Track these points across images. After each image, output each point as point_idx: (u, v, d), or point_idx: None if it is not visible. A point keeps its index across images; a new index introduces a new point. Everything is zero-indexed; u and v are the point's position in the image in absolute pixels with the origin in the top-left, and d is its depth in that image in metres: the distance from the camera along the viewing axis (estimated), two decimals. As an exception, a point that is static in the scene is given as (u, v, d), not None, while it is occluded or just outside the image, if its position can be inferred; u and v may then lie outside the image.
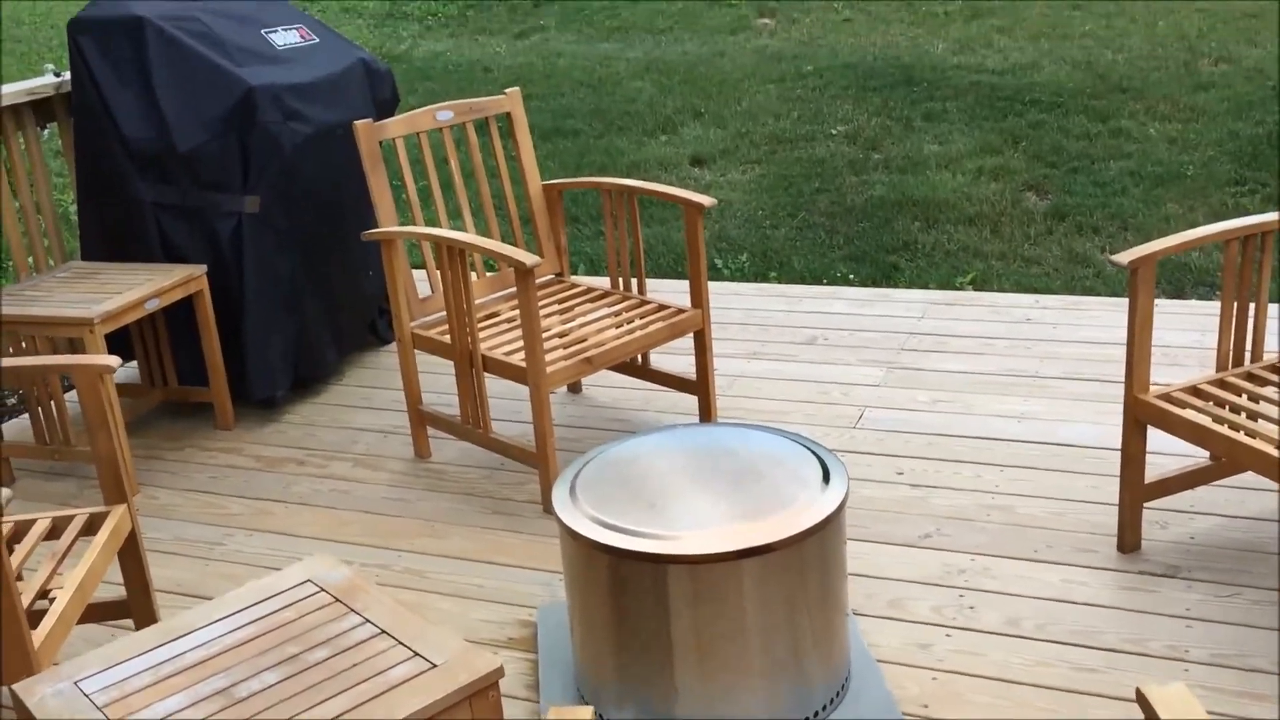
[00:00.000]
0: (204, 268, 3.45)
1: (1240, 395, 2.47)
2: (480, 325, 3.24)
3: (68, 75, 3.61)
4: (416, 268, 4.44)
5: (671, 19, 8.49)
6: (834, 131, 6.21)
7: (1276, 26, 6.83)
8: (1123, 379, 3.40)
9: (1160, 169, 5.28)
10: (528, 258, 2.79)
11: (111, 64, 3.45)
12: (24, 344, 3.30)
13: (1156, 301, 3.97)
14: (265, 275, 3.52)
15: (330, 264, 3.72)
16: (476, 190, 3.49)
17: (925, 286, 4.63)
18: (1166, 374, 3.39)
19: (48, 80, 3.62)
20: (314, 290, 3.67)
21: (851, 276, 4.81)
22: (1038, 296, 4.14)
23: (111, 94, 3.44)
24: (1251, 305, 2.57)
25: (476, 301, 3.37)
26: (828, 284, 4.75)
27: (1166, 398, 2.46)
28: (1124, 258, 2.38)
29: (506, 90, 3.50)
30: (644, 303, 3.34)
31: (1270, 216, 2.50)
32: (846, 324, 4.03)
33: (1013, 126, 5.94)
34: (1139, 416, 2.46)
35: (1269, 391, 2.44)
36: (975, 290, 4.51)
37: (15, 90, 3.52)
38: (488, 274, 3.41)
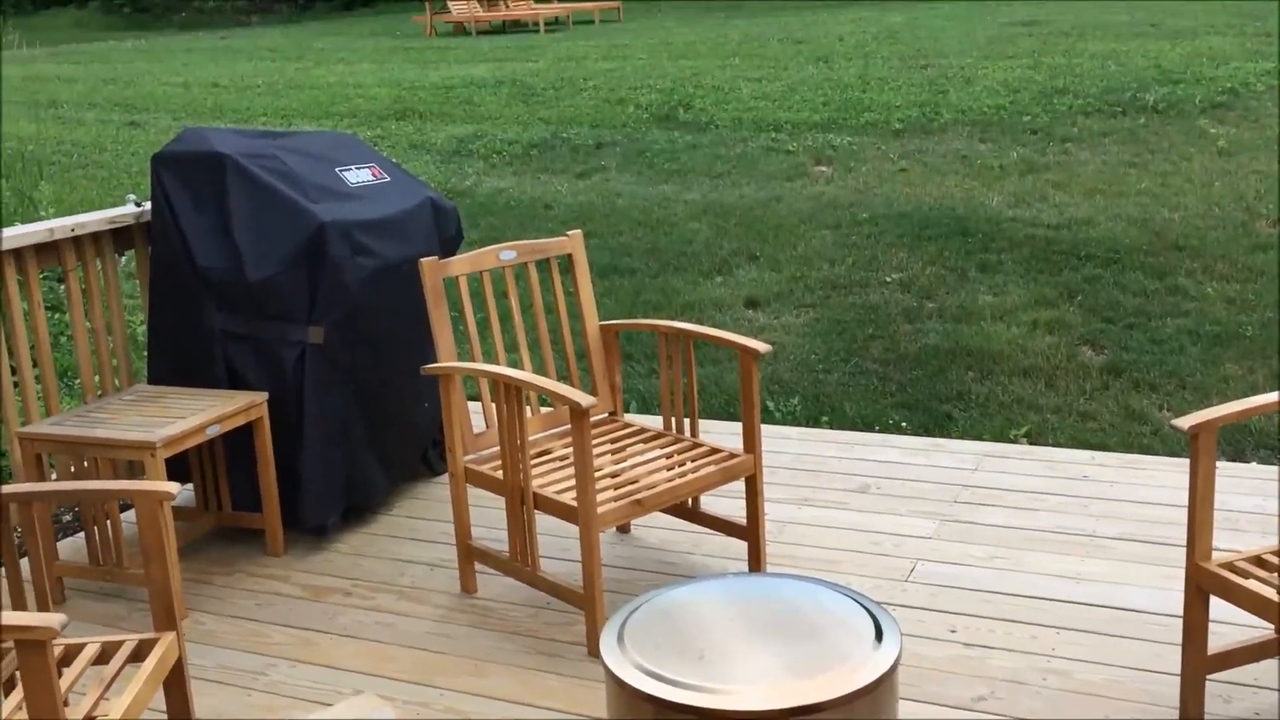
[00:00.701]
0: (265, 395, 3.51)
1: (1307, 568, 2.40)
2: (533, 461, 3.25)
3: (148, 205, 3.76)
4: (472, 399, 4.49)
5: (729, 164, 8.68)
6: (888, 279, 6.26)
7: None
8: (1183, 542, 3.33)
9: (1218, 328, 5.25)
10: (583, 399, 2.82)
11: (191, 196, 3.59)
12: (86, 464, 3.36)
13: (1217, 464, 3.91)
14: (324, 405, 3.58)
15: (388, 395, 3.77)
16: (534, 324, 3.57)
17: (979, 438, 4.59)
18: (1228, 539, 3.32)
19: (129, 210, 3.77)
20: (370, 421, 3.72)
21: (904, 424, 4.79)
22: (1094, 453, 4.09)
23: (188, 224, 3.57)
24: (1316, 475, 2.52)
25: (530, 438, 3.39)
26: (880, 431, 4.73)
27: (1229, 567, 2.41)
28: (1184, 423, 2.36)
29: (569, 232, 3.58)
30: (696, 445, 3.34)
31: (1334, 386, 2.47)
32: (899, 473, 4.00)
33: (1068, 280, 5.96)
34: (1201, 585, 2.41)
35: (1337, 565, 2.38)
36: (1030, 444, 4.47)
37: (98, 219, 3.67)
38: (542, 409, 3.44)
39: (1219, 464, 3.93)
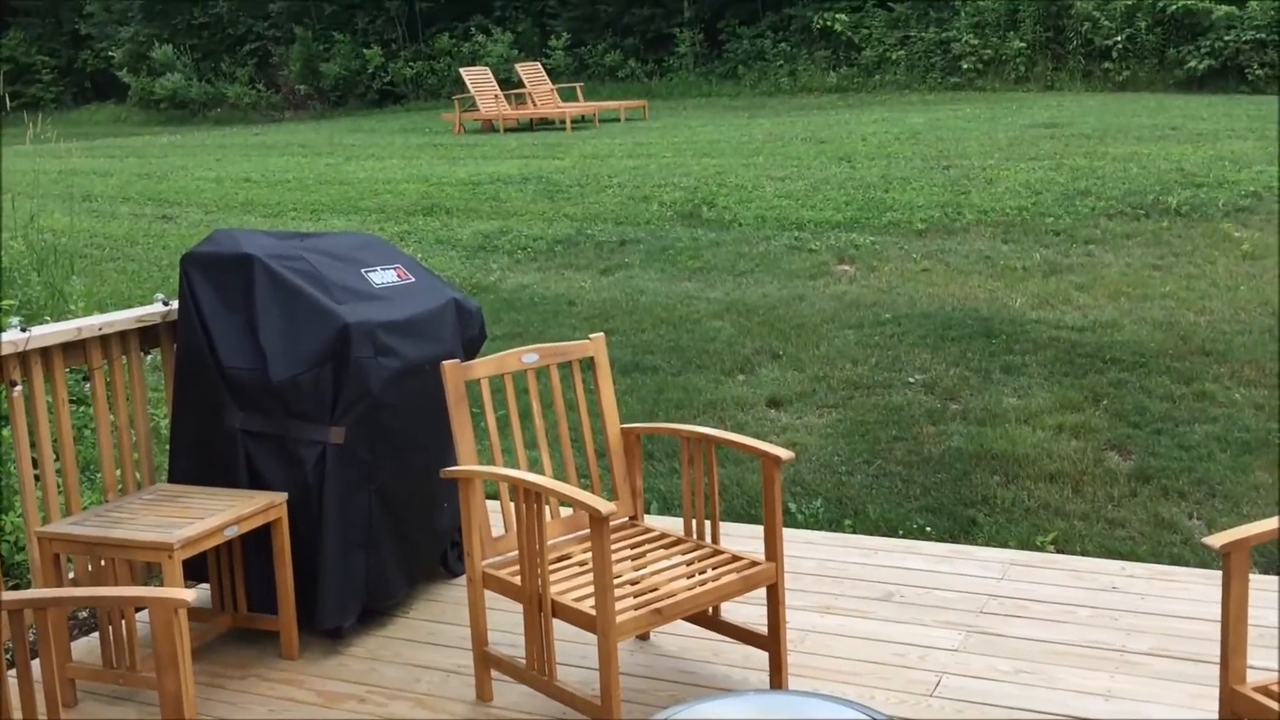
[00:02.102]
0: (284, 495, 3.50)
1: (1347, 694, 2.33)
2: (552, 567, 3.21)
3: (175, 305, 3.80)
4: (491, 497, 4.46)
5: (753, 262, 8.73)
6: (911, 380, 6.24)
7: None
8: (1215, 659, 3.24)
9: (1247, 435, 5.19)
10: (603, 506, 2.79)
11: (218, 296, 3.63)
12: (103, 563, 3.34)
13: (1250, 578, 3.82)
14: (344, 505, 3.56)
15: (408, 496, 3.75)
16: (555, 423, 3.57)
17: (1004, 544, 4.52)
18: (1262, 656, 3.23)
19: (156, 309, 3.81)
20: (390, 522, 3.70)
21: (928, 529, 4.73)
22: (1123, 563, 4.01)
23: (215, 324, 3.60)
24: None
25: (550, 542, 3.36)
26: (904, 535, 4.67)
27: (1265, 691, 2.34)
28: (1216, 541, 2.31)
29: (592, 335, 3.59)
30: (717, 552, 3.30)
31: (1369, 504, 2.42)
32: (923, 580, 3.93)
33: (1094, 384, 5.92)
34: (1236, 710, 2.34)
35: (1378, 692, 2.30)
36: (1057, 551, 4.40)
37: (125, 317, 3.70)
38: (563, 510, 3.42)
39: (1252, 577, 3.84)
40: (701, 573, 3.20)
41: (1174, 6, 18.06)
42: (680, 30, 24.21)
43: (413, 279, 3.94)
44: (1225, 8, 17.71)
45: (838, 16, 21.94)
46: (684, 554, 3.31)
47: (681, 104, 21.64)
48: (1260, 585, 3.74)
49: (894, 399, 6.04)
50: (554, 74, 23.48)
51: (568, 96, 21.21)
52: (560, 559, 3.28)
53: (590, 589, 3.04)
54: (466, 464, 3.21)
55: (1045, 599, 3.73)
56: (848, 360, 6.63)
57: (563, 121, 18.82)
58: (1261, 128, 12.52)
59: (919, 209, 9.75)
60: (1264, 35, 17.36)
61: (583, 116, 19.41)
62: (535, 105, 19.93)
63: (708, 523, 4.64)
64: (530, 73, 20.68)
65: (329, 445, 3.54)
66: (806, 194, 10.76)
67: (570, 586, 3.08)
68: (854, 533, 4.71)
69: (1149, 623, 3.52)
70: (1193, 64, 17.86)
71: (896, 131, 14.32)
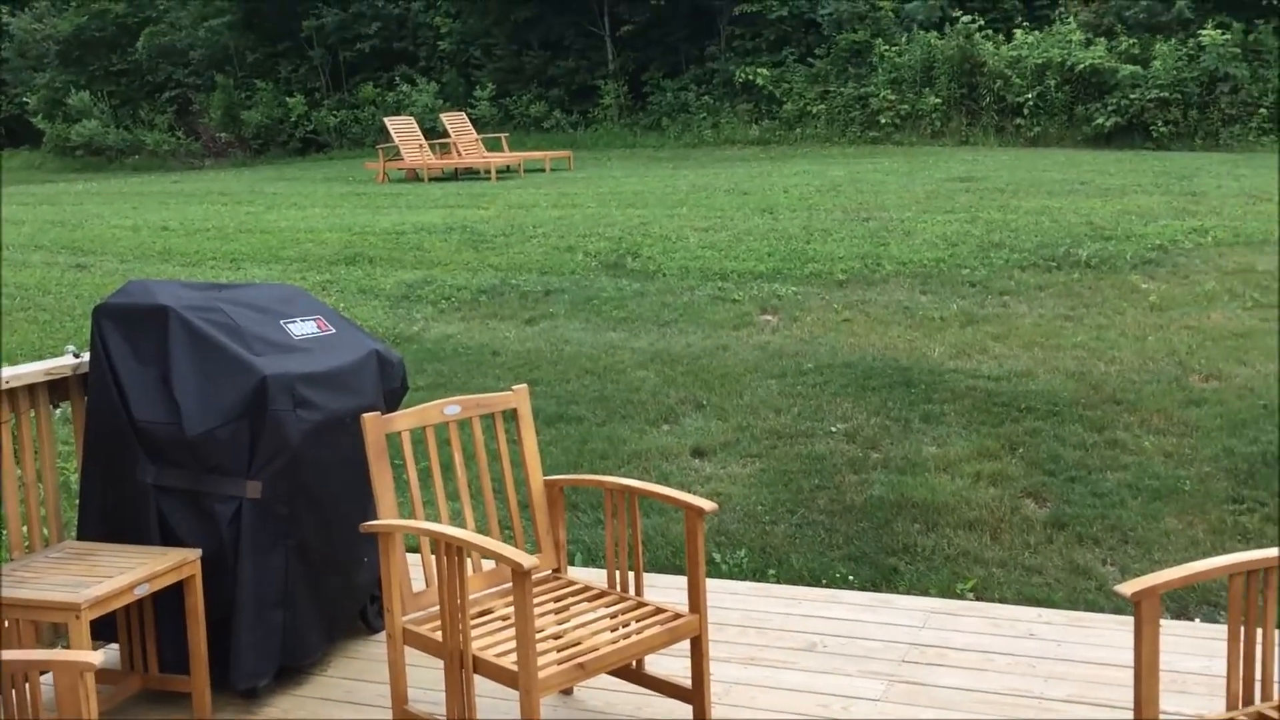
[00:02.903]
0: (198, 552, 3.42)
1: (1254, 738, 2.38)
2: (474, 622, 3.17)
3: (86, 356, 3.71)
4: (412, 550, 4.40)
5: (677, 312, 8.79)
6: (834, 429, 6.30)
7: (1263, 348, 7.06)
8: (1130, 704, 3.29)
9: (1158, 483, 5.32)
10: (525, 559, 2.77)
11: (131, 349, 3.55)
12: (6, 625, 3.23)
13: (1162, 623, 3.90)
14: (260, 562, 3.49)
15: (327, 551, 3.69)
16: (478, 475, 3.54)
17: (926, 591, 4.57)
18: (1175, 702, 3.29)
19: (66, 361, 3.72)
20: (308, 578, 3.63)
21: (851, 577, 4.76)
22: (1040, 610, 4.08)
23: (127, 378, 3.52)
24: (1259, 640, 2.52)
25: (472, 596, 3.32)
26: (827, 584, 4.69)
27: (1178, 737, 2.38)
28: (1127, 589, 2.36)
29: (515, 387, 3.57)
30: (641, 604, 3.29)
31: (1272, 552, 2.50)
32: (847, 630, 3.95)
33: (1010, 432, 6.03)
34: (1151, 755, 2.37)
35: (1284, 735, 2.36)
36: (976, 599, 4.45)
37: (34, 370, 3.61)
38: (485, 563, 3.38)
39: (1164, 623, 3.92)
40: (625, 626, 3.18)
41: (1081, 66, 18.69)
42: (605, 82, 24.48)
43: (333, 330, 3.90)
44: (1130, 67, 18.38)
45: (759, 71, 22.36)
46: (607, 607, 3.29)
47: (606, 155, 21.82)
48: (1173, 631, 3.82)
49: (817, 448, 6.09)
50: (479, 124, 23.56)
51: (493, 146, 21.27)
52: (482, 614, 3.25)
53: (513, 644, 3.00)
54: (387, 518, 3.17)
55: (965, 647, 3.77)
56: (771, 410, 6.68)
57: (488, 171, 18.86)
58: (1166, 183, 12.97)
59: (840, 260, 9.91)
60: (1166, 94, 18.03)
61: (508, 167, 19.47)
62: (460, 155, 19.95)
63: (631, 575, 4.63)
64: (455, 122, 20.71)
65: (245, 500, 3.47)
66: (730, 245, 10.88)
67: (492, 642, 3.04)
68: (778, 582, 4.72)
69: (1066, 669, 3.58)
70: (1100, 121, 18.47)
71: (818, 184, 14.58)
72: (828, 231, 11.11)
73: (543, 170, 19.32)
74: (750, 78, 22.42)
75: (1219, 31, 17.86)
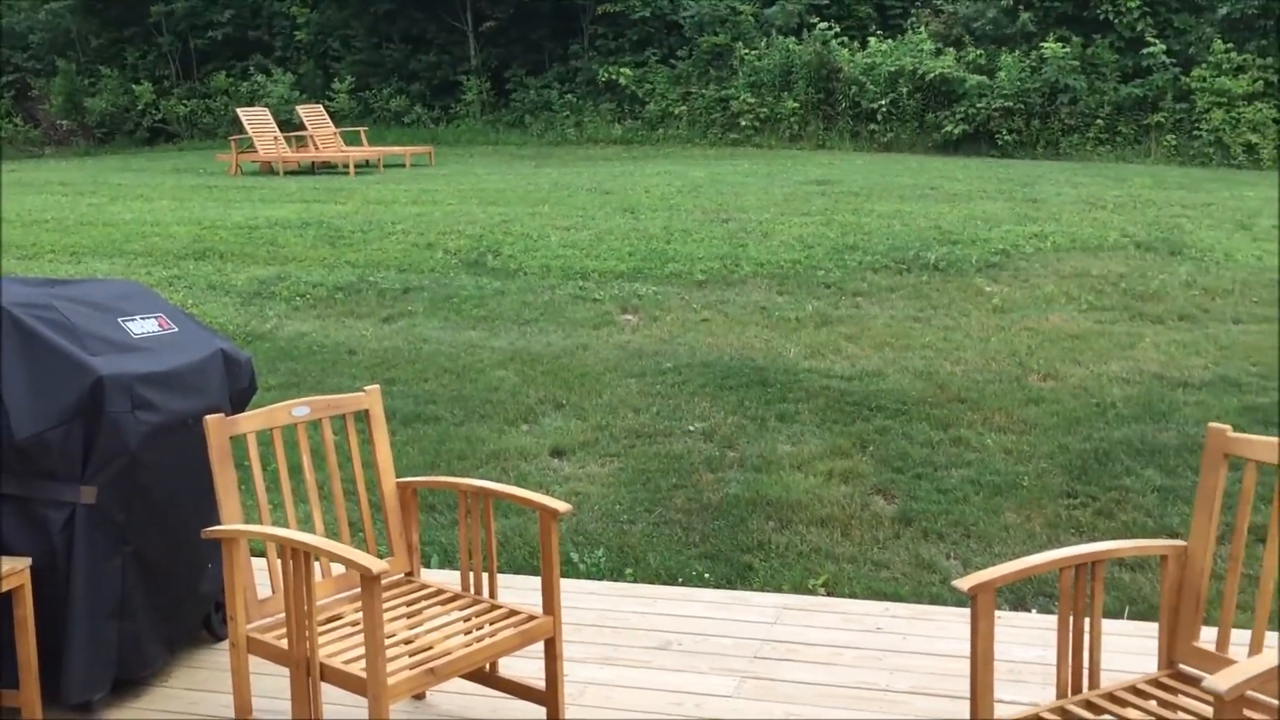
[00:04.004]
0: (27, 561, 3.26)
1: (1081, 724, 2.49)
2: (324, 628, 3.10)
3: (-94, 355, 3.50)
4: (258, 555, 4.28)
5: (537, 311, 8.75)
6: (691, 428, 6.37)
7: (1097, 349, 7.40)
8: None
9: (998, 478, 5.53)
10: (374, 564, 2.72)
11: (-45, 347, 3.36)
12: None
13: (1000, 615, 4.06)
14: (94, 571, 3.34)
15: (167, 558, 3.56)
16: (328, 477, 3.46)
17: (779, 588, 4.65)
18: (1012, 691, 3.42)
19: (-116, 359, 3.50)
20: (147, 586, 3.49)
21: (707, 575, 4.82)
22: (887, 604, 4.19)
23: (-49, 377, 3.33)
24: (1087, 630, 2.64)
25: (320, 602, 3.24)
26: (683, 582, 4.74)
27: (1011, 725, 2.47)
28: (964, 584, 2.44)
29: (366, 388, 3.51)
30: (495, 606, 3.26)
31: (1101, 545, 2.62)
32: (701, 628, 4.00)
33: (861, 431, 6.19)
34: (986, 744, 2.46)
35: (1108, 720, 2.47)
36: (827, 594, 4.55)
37: None
38: (334, 568, 3.31)
39: (1002, 614, 4.08)
40: (479, 628, 3.16)
41: (931, 75, 19.30)
42: (467, 78, 24.24)
43: (176, 328, 3.77)
44: (977, 77, 19.06)
45: (622, 70, 22.45)
46: (461, 610, 3.26)
47: (468, 151, 21.62)
48: (1011, 622, 3.97)
49: (675, 447, 6.15)
50: (337, 117, 23.07)
51: (351, 140, 20.86)
52: (331, 619, 3.18)
53: (362, 650, 2.95)
54: (230, 523, 3.08)
55: (816, 642, 3.85)
56: (630, 409, 6.71)
57: (346, 166, 18.48)
58: (1009, 189, 13.49)
59: (699, 260, 10.02)
60: (1011, 103, 18.76)
61: (367, 161, 19.11)
62: (317, 148, 19.50)
63: (486, 577, 4.59)
64: (312, 115, 20.24)
65: (79, 506, 3.32)
66: (591, 244, 10.89)
67: (341, 648, 2.98)
68: (635, 581, 4.75)
69: (910, 662, 3.69)
70: (949, 128, 19.10)
71: (679, 184, 14.71)
72: (688, 232, 11.22)
73: (403, 166, 19.03)
74: (613, 77, 22.50)
75: (1060, 45, 18.66)
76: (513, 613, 3.21)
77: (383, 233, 11.71)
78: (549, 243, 10.96)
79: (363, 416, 3.45)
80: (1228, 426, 2.69)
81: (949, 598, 4.47)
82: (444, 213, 12.85)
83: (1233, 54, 17.90)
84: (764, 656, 3.74)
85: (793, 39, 21.20)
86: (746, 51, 21.41)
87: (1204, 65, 18.04)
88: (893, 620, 4.01)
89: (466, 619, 3.20)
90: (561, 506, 3.14)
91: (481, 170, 17.70)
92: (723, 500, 5.49)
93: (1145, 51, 18.35)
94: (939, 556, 4.88)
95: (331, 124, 20.58)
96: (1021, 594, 4.50)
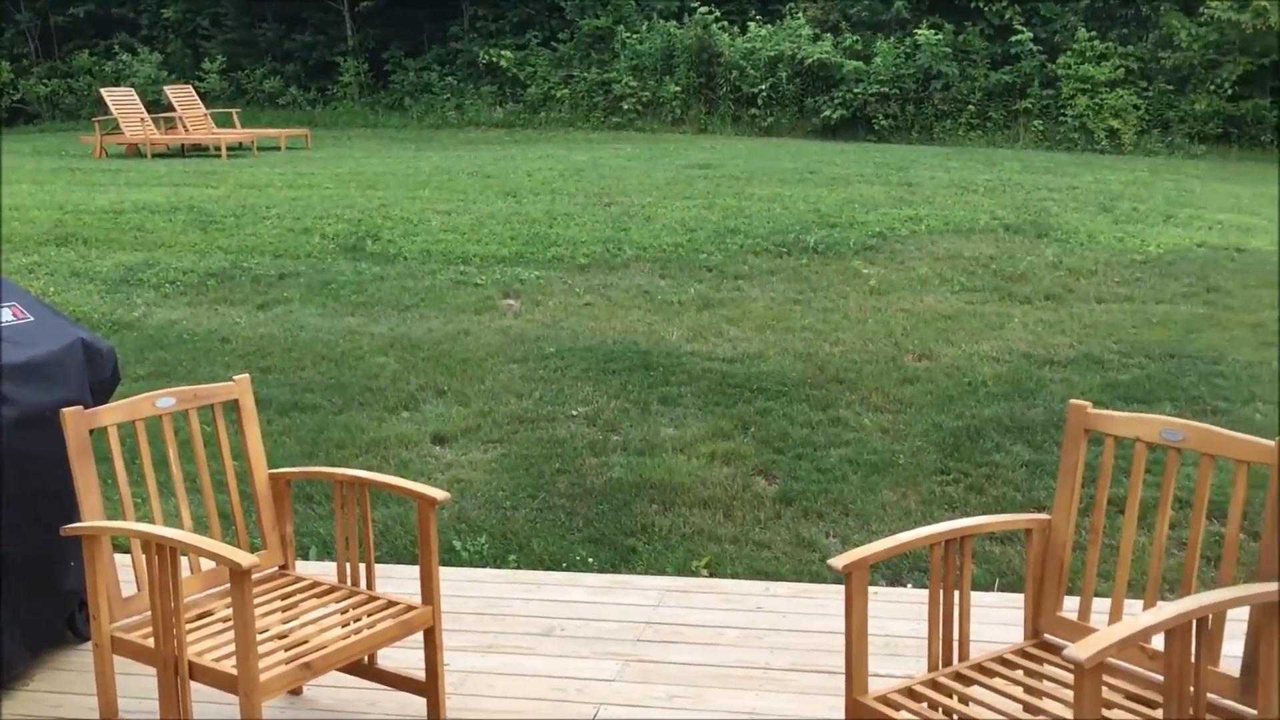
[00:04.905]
0: (-128, 564, 3.09)
1: (951, 696, 2.56)
2: (194, 625, 3.01)
3: None
4: (123, 551, 4.13)
5: (418, 296, 8.63)
6: (574, 413, 6.35)
7: (968, 329, 7.60)
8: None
9: (875, 457, 5.64)
10: (243, 559, 2.65)
11: None
12: None
13: (876, 590, 4.15)
14: (-55, 572, 3.19)
15: (26, 556, 3.41)
16: (197, 473, 3.35)
17: (663, 571, 4.67)
18: (888, 664, 3.50)
19: None
20: (6, 585, 3.34)
21: (590, 560, 4.81)
22: (768, 583, 4.24)
23: None
24: (956, 604, 2.71)
25: (190, 598, 3.15)
26: (567, 568, 4.73)
27: (884, 699, 2.52)
28: (838, 562, 2.48)
29: (236, 377, 3.41)
30: (373, 598, 3.21)
31: (969, 521, 2.68)
32: (584, 613, 3.99)
33: (742, 413, 6.25)
34: (860, 717, 2.51)
35: (975, 691, 2.54)
36: (710, 576, 4.59)
37: None
38: (205, 562, 3.21)
39: (879, 589, 4.17)
40: (356, 620, 3.10)
41: (809, 60, 19.57)
42: (344, 59, 23.74)
43: (31, 318, 3.60)
44: (854, 63, 19.38)
45: (503, 53, 22.25)
46: (338, 602, 3.20)
47: (346, 134, 21.19)
48: (888, 597, 4.06)
49: (558, 432, 6.13)
50: (208, 99, 22.37)
51: (224, 122, 20.25)
52: (201, 616, 3.08)
53: (233, 647, 2.87)
54: (91, 519, 2.96)
55: (698, 623, 3.88)
56: (513, 395, 6.67)
57: (217, 148, 17.95)
58: (885, 173, 13.76)
59: (582, 244, 10.00)
60: (887, 89, 19.13)
61: (240, 144, 18.59)
62: (187, 130, 18.90)
63: (363, 568, 4.52)
64: (181, 96, 19.59)
65: (-72, 505, 3.16)
66: (472, 228, 10.78)
67: (212, 645, 2.90)
68: (519, 568, 4.73)
69: (791, 639, 3.74)
70: (827, 113, 19.40)
71: (561, 168, 14.65)
72: (570, 216, 11.19)
73: (278, 149, 18.56)
74: (494, 59, 22.28)
75: (932, 32, 19.08)
76: (391, 603, 3.16)
77: (257, 217, 11.41)
78: (429, 227, 10.82)
79: (233, 407, 3.35)
80: (1088, 403, 2.78)
81: (828, 575, 4.54)
82: (321, 197, 12.58)
83: (1096, 42, 18.53)
84: (647, 639, 3.76)
85: (674, 23, 21.27)
86: (628, 35, 21.41)
87: (1069, 53, 18.64)
88: (773, 599, 4.07)
89: (344, 611, 3.14)
90: (439, 494, 3.10)
91: (360, 153, 17.38)
92: (606, 484, 5.50)
93: (1013, 39, 18.88)
94: (819, 535, 4.96)
95: (202, 105, 19.97)
96: (898, 569, 4.60)
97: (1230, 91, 17.89)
